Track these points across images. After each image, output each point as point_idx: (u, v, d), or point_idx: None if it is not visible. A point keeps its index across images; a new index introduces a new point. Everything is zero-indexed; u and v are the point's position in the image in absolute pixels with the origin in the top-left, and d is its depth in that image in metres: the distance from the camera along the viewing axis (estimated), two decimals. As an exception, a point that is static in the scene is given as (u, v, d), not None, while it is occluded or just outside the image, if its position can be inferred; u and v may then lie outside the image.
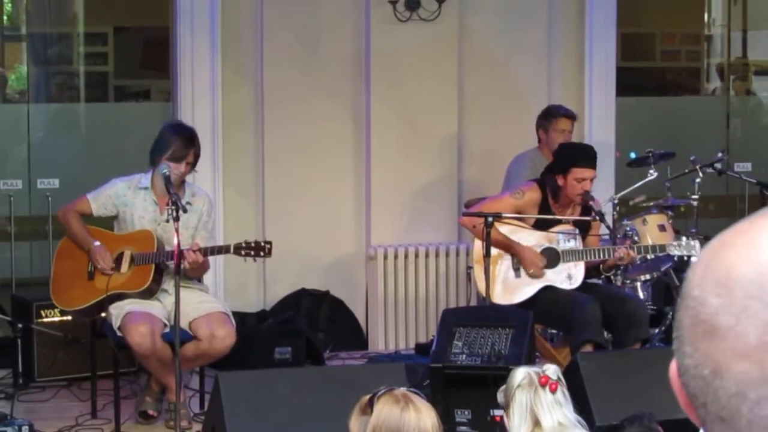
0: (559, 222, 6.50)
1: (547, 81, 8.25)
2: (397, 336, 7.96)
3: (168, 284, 6.12)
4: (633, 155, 7.80)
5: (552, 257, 6.49)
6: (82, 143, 8.66)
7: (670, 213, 7.41)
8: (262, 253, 5.98)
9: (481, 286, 6.31)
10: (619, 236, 6.90)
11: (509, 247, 6.49)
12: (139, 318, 5.95)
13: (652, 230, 7.20)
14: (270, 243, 6.02)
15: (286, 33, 7.81)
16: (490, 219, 6.22)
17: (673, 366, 1.03)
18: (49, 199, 7.92)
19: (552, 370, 3.82)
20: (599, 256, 6.47)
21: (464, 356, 5.63)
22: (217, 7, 7.61)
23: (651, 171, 7.49)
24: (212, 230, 6.45)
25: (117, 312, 6.02)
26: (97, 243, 6.18)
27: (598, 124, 8.28)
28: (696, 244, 6.47)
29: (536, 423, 3.73)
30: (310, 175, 7.89)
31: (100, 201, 6.25)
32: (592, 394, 5.33)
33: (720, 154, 7.70)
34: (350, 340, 7.91)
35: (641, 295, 7.25)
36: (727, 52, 10.17)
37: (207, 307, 6.14)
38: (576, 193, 6.39)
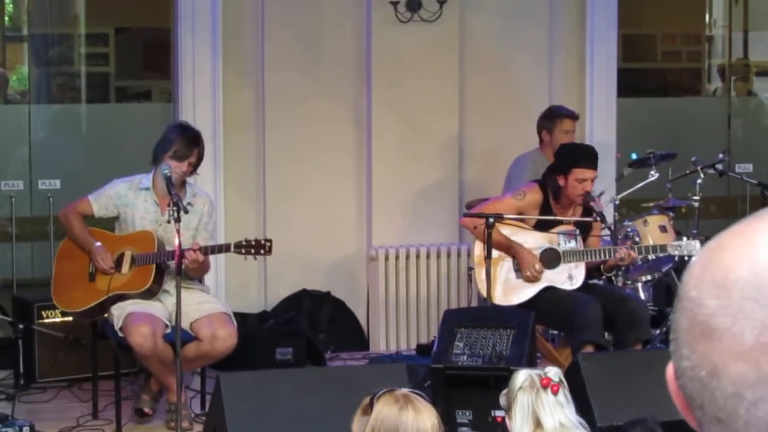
0: (560, 223, 6.50)
1: (548, 82, 8.25)
2: (398, 337, 7.95)
3: (169, 285, 6.12)
4: (634, 156, 7.81)
5: (553, 258, 6.48)
6: (83, 144, 8.65)
7: (671, 214, 7.41)
8: (262, 251, 5.97)
9: (482, 287, 6.31)
10: (620, 237, 6.90)
11: (509, 248, 6.49)
12: (140, 319, 5.95)
13: (653, 231, 7.20)
14: (270, 241, 6.01)
15: (287, 34, 7.81)
16: (491, 220, 6.22)
17: (670, 369, 1.03)
18: (50, 199, 7.92)
19: (553, 372, 3.83)
20: (600, 257, 6.47)
21: (465, 357, 5.63)
22: (218, 8, 7.61)
23: (652, 172, 7.50)
24: (213, 231, 6.44)
25: (118, 313, 6.02)
26: (98, 244, 6.18)
27: (599, 125, 8.28)
28: (697, 244, 6.47)
29: (538, 424, 3.74)
30: (311, 176, 7.89)
31: (101, 202, 6.25)
32: (593, 394, 5.33)
33: (721, 155, 7.70)
34: (351, 340, 7.90)
35: (642, 295, 7.24)
36: (728, 53, 10.16)
37: (208, 307, 6.14)
38: (577, 194, 6.39)
